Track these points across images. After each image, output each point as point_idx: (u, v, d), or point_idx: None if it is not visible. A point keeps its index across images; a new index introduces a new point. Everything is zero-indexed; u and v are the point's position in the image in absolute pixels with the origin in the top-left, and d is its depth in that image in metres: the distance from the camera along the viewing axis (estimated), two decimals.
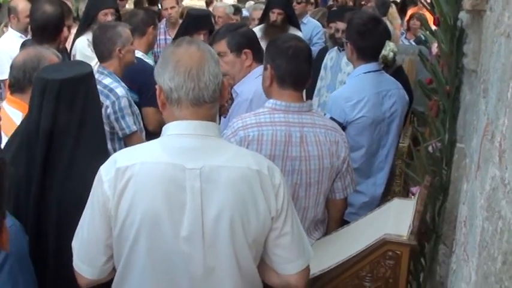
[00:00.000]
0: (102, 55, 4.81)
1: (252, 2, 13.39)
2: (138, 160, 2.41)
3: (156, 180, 2.38)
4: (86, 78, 3.11)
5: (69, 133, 2.98)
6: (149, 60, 5.78)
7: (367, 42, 4.48)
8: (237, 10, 9.10)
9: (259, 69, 4.15)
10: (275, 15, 7.30)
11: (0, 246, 1.37)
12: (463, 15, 3.49)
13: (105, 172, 2.43)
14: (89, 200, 2.50)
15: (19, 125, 3.20)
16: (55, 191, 2.94)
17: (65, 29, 5.45)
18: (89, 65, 3.31)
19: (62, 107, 2.97)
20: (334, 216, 3.72)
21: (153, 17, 6.15)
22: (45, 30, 5.13)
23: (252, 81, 4.22)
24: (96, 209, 2.45)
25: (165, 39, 7.64)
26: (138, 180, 2.38)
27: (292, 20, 7.57)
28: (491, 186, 1.92)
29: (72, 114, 3.00)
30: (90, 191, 2.51)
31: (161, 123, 5.23)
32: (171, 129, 2.47)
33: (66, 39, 5.70)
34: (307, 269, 2.65)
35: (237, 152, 2.55)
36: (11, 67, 3.81)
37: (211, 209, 2.39)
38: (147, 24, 5.83)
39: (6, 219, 2.37)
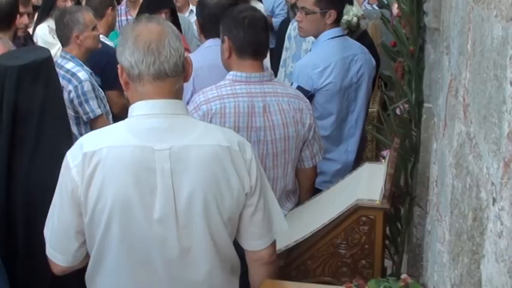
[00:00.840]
0: (61, 41, 4.81)
1: None
2: (105, 144, 2.35)
3: (124, 164, 2.33)
4: (45, 63, 3.10)
5: (31, 119, 2.96)
6: (110, 43, 5.70)
7: (343, 5, 4.53)
8: None
9: (209, 41, 4.27)
10: None
11: None
12: None
13: (72, 158, 2.37)
14: (57, 187, 2.44)
15: None
16: (21, 179, 2.93)
17: (25, 16, 5.33)
18: (47, 50, 3.29)
19: (23, 94, 2.96)
20: (305, 186, 3.70)
21: None
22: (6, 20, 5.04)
23: (199, 51, 4.36)
24: (65, 195, 2.39)
25: (127, 19, 7.52)
26: (107, 165, 2.33)
27: None
28: (458, 142, 1.90)
29: (33, 99, 2.98)
30: (56, 177, 2.46)
31: (125, 106, 5.21)
32: (137, 109, 2.41)
33: (26, 26, 5.57)
34: (274, 242, 2.65)
35: (206, 129, 2.50)
36: None
37: (183, 190, 2.35)
38: (105, 5, 5.81)
39: None
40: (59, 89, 3.33)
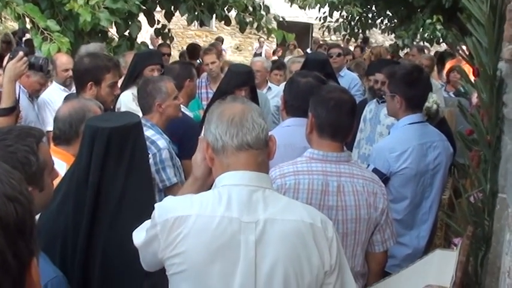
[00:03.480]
0: (143, 108, 4.89)
1: (290, 56, 13.53)
2: (194, 212, 2.40)
3: (209, 234, 2.37)
4: (135, 128, 3.19)
5: (117, 180, 3.05)
6: (190, 113, 5.86)
7: (415, 91, 4.51)
8: (282, 65, 9.19)
9: (289, 121, 4.36)
10: None
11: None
12: (502, 65, 3.51)
13: (159, 213, 2.44)
14: (148, 223, 2.51)
15: (65, 174, 3.27)
16: (102, 237, 2.99)
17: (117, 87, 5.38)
18: (137, 116, 3.40)
19: (111, 155, 3.06)
20: (374, 270, 3.67)
21: (188, 69, 6.29)
22: (75, 79, 5.20)
23: (277, 129, 4.41)
24: (150, 235, 2.47)
25: (207, 92, 7.78)
26: (192, 233, 2.37)
27: (330, 75, 7.60)
28: None
29: (121, 161, 3.07)
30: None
31: None
32: (225, 179, 2.47)
33: (116, 96, 5.64)
34: None
35: (289, 204, 2.54)
36: (56, 119, 3.87)
37: (265, 263, 2.37)
38: (183, 77, 6.00)
39: (50, 271, 2.41)
40: (146, 154, 3.41)
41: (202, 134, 2.61)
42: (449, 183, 6.34)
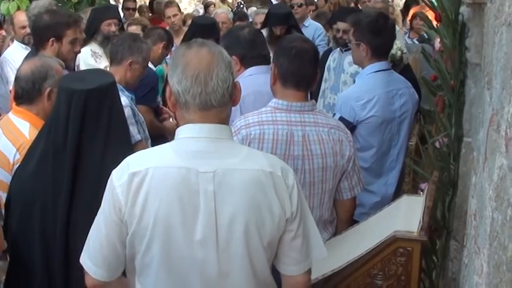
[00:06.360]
0: (115, 57, 4.81)
1: (254, 8, 13.42)
2: (151, 165, 2.38)
3: (168, 185, 2.36)
4: (110, 88, 3.16)
5: (97, 142, 3.03)
6: (153, 67, 5.86)
7: (381, 38, 4.48)
8: (244, 16, 9.11)
9: (250, 70, 4.31)
10: (278, 30, 7.19)
11: None
12: (464, 10, 3.50)
13: (117, 177, 2.41)
14: (102, 206, 2.47)
15: (39, 132, 3.24)
16: (84, 200, 2.98)
17: (77, 44, 5.29)
18: (111, 74, 3.37)
19: (89, 117, 3.03)
20: (343, 217, 3.70)
21: (171, 38, 6.47)
22: (35, 36, 5.21)
23: (240, 80, 4.31)
24: (108, 214, 2.42)
25: None
26: (151, 186, 2.36)
27: (294, 26, 7.55)
28: (499, 175, 1.91)
29: (99, 123, 3.05)
30: None
31: (152, 122, 5.38)
32: (183, 132, 2.44)
33: (76, 53, 5.55)
34: (310, 269, 2.63)
35: (250, 153, 2.52)
36: (18, 78, 3.80)
37: (225, 213, 2.37)
38: (162, 39, 6.24)
39: None
40: (123, 112, 3.36)
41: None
42: (415, 129, 6.37)
